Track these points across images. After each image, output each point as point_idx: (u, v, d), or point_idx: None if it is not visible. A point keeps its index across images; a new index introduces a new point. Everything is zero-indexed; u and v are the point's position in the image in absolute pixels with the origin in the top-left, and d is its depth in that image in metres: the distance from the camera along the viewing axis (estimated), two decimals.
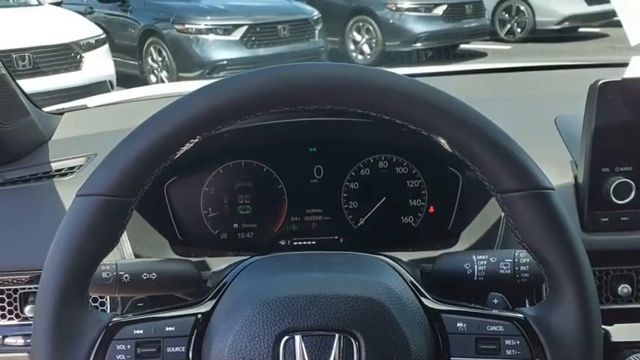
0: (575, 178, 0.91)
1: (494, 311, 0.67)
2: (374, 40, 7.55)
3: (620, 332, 0.89)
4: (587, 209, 0.87)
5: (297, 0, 7.17)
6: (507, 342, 0.64)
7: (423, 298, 0.69)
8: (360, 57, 7.65)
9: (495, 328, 0.65)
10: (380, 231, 1.08)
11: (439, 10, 7.49)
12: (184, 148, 0.63)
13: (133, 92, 1.51)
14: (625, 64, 1.19)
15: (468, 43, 8.01)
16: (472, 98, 1.32)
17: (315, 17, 6.71)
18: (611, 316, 0.89)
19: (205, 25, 6.25)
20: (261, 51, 6.26)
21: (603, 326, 0.90)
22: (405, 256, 0.89)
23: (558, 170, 0.93)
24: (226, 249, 1.07)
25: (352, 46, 7.72)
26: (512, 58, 7.41)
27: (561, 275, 0.62)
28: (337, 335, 0.62)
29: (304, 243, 1.08)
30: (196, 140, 0.63)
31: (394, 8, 7.46)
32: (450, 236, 1.06)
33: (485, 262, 0.81)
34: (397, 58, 7.35)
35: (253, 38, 6.25)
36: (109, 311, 0.91)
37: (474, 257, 0.82)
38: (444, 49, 7.60)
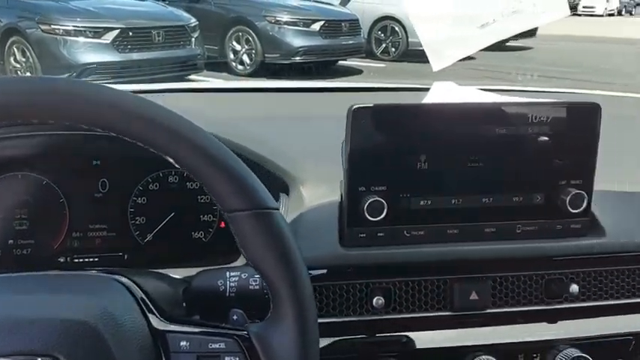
0: (341, 196, 0.95)
1: (219, 329, 0.68)
2: (254, 51, 7.58)
3: (376, 342, 0.94)
4: (347, 225, 0.91)
5: (174, 7, 7.04)
6: (227, 359, 0.65)
7: (152, 318, 0.68)
8: (240, 67, 7.65)
9: (217, 346, 0.66)
10: (169, 247, 1.06)
11: (316, 26, 7.68)
12: None
13: None
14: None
15: (345, 59, 8.27)
16: (292, 115, 1.35)
17: (192, 24, 6.63)
18: (370, 327, 0.93)
19: (74, 26, 5.94)
20: (135, 55, 6.07)
21: (363, 336, 0.95)
22: (192, 271, 0.88)
23: (328, 188, 0.97)
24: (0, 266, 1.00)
25: (232, 56, 7.71)
26: (387, 76, 7.76)
27: (282, 293, 0.64)
28: (40, 359, 0.60)
29: (86, 260, 1.04)
30: None
31: (273, 21, 7.56)
32: (237, 251, 1.06)
33: (237, 278, 0.82)
34: (275, 70, 7.42)
35: (125, 42, 6.04)
36: None
37: (227, 274, 0.82)
38: (323, 64, 7.80)
